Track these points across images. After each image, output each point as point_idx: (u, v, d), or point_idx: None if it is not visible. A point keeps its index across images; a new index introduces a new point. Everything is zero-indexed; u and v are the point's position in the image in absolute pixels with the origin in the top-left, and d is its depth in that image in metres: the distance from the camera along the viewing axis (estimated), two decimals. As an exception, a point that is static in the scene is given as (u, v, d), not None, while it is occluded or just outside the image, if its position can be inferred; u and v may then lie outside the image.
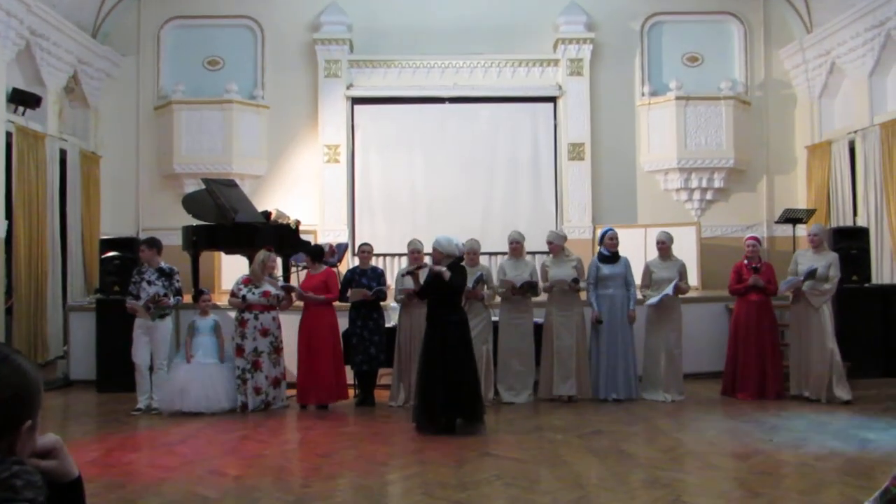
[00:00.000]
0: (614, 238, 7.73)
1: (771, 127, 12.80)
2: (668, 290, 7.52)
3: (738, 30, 12.79)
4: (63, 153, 10.57)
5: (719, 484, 4.66)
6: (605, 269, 7.63)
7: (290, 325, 7.74)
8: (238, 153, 12.36)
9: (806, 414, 6.70)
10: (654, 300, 7.56)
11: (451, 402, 6.02)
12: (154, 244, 7.36)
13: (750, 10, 12.76)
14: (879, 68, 10.81)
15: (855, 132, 11.08)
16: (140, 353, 7.26)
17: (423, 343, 6.33)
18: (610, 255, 7.69)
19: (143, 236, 11.82)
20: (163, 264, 7.36)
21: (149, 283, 7.22)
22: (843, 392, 7.11)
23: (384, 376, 7.94)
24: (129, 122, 12.53)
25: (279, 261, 9.82)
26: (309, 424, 6.68)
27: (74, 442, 5.89)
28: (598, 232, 7.96)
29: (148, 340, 7.23)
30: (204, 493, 4.58)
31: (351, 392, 7.82)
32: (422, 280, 6.46)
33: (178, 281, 7.35)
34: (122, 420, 7.00)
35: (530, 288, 7.44)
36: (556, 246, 7.71)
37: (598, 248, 7.93)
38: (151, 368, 7.36)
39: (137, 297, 7.20)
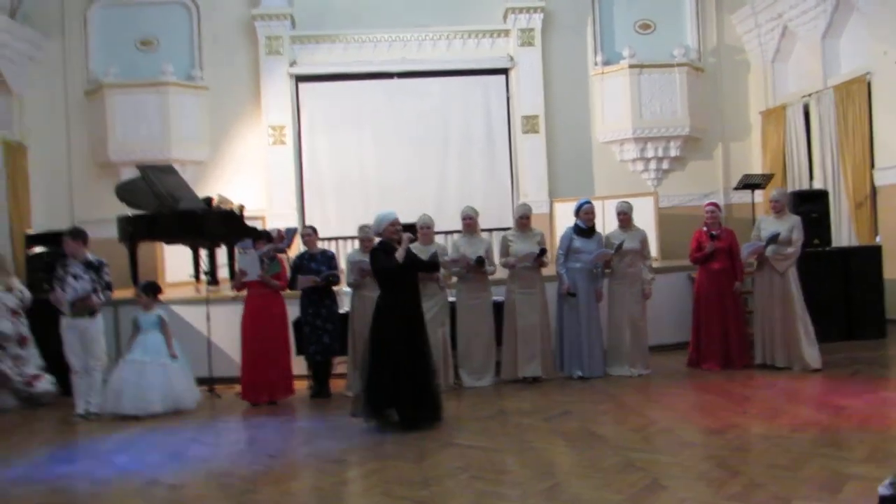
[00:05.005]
0: (591, 212, 7.44)
1: (725, 93, 12.68)
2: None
3: (689, -6, 12.57)
4: (-15, 144, 9.87)
5: (696, 464, 4.39)
6: (578, 243, 7.34)
7: (229, 316, 7.33)
8: (177, 138, 11.78)
9: (775, 383, 6.51)
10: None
11: (410, 395, 5.61)
12: (79, 235, 6.77)
13: (700, -26, 12.55)
14: (832, 30, 10.70)
15: (809, 95, 10.97)
16: (73, 354, 6.74)
17: (378, 329, 5.83)
18: (586, 228, 7.40)
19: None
20: (90, 256, 6.78)
21: (75, 277, 6.64)
22: (813, 359, 6.95)
23: (339, 364, 7.56)
24: (58, 109, 11.84)
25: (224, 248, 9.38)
26: (259, 422, 6.27)
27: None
28: (574, 204, 7.64)
29: (80, 340, 6.70)
30: (139, 508, 4.17)
31: (304, 384, 7.43)
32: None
33: (107, 274, 6.80)
34: (58, 428, 6.51)
35: (481, 264, 7.12)
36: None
37: (574, 221, 7.55)
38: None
39: (64, 292, 6.66)
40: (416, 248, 6.67)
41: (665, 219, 11.50)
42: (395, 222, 5.88)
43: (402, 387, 5.53)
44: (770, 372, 7.01)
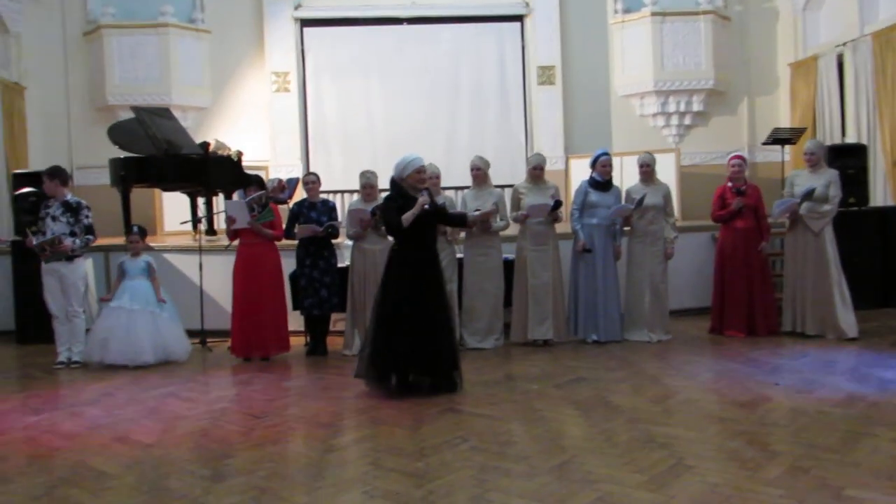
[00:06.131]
0: (608, 164, 6.87)
1: (752, 44, 11.97)
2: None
3: (717, -62, 11.78)
4: (-19, 83, 9.38)
5: (725, 441, 3.91)
6: (595, 197, 6.80)
7: (225, 266, 6.88)
8: (178, 82, 11.25)
9: (808, 352, 6.00)
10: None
11: (424, 358, 5.10)
12: (57, 174, 6.37)
13: (729, -84, 11.76)
14: (871, -27, 9.96)
15: (844, 45, 10.27)
16: (53, 300, 6.40)
17: (392, 285, 5.18)
18: (603, 181, 6.85)
19: (76, 174, 10.73)
20: (69, 197, 6.39)
21: (53, 218, 6.27)
22: (849, 327, 6.42)
23: (337, 322, 7.11)
24: (56, 50, 11.30)
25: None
26: (247, 378, 5.84)
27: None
28: (591, 156, 7.07)
29: (59, 285, 6.32)
30: (100, 468, 3.74)
31: (301, 340, 7.00)
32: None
33: (87, 217, 6.38)
34: (37, 376, 6.16)
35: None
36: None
37: (589, 174, 7.02)
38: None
39: (44, 234, 6.27)
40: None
41: (687, 177, 10.93)
42: (421, 170, 5.22)
43: (410, 350, 5.02)
44: (800, 340, 6.49)
